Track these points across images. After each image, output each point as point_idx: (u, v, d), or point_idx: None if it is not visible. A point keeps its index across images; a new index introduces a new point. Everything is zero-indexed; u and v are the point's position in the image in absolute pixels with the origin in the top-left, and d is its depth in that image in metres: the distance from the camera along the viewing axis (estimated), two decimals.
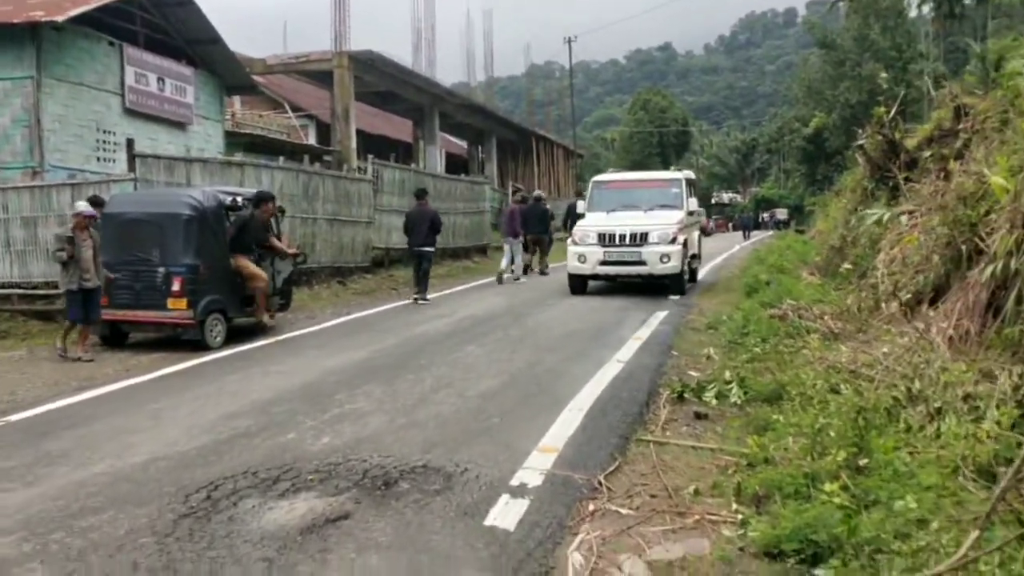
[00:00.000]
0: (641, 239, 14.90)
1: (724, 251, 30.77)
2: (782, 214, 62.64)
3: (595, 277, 15.72)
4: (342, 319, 13.29)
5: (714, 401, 7.21)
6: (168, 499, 4.89)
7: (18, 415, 7.28)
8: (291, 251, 12.36)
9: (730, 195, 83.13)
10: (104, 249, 10.90)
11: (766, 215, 63.79)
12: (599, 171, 28.83)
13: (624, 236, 15.00)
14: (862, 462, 4.94)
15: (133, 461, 5.69)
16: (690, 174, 18.67)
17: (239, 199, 11.76)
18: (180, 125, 20.40)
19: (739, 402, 7.12)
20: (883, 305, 10.20)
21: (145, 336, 11.28)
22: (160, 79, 19.56)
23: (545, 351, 9.83)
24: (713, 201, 77.03)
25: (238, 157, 17.77)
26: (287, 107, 32.55)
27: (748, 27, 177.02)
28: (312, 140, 32.15)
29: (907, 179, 12.70)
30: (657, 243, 14.81)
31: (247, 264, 11.38)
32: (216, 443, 6.06)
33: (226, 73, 22.52)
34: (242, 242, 11.44)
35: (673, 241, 14.88)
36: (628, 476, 5.36)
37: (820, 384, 6.89)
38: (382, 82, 30.00)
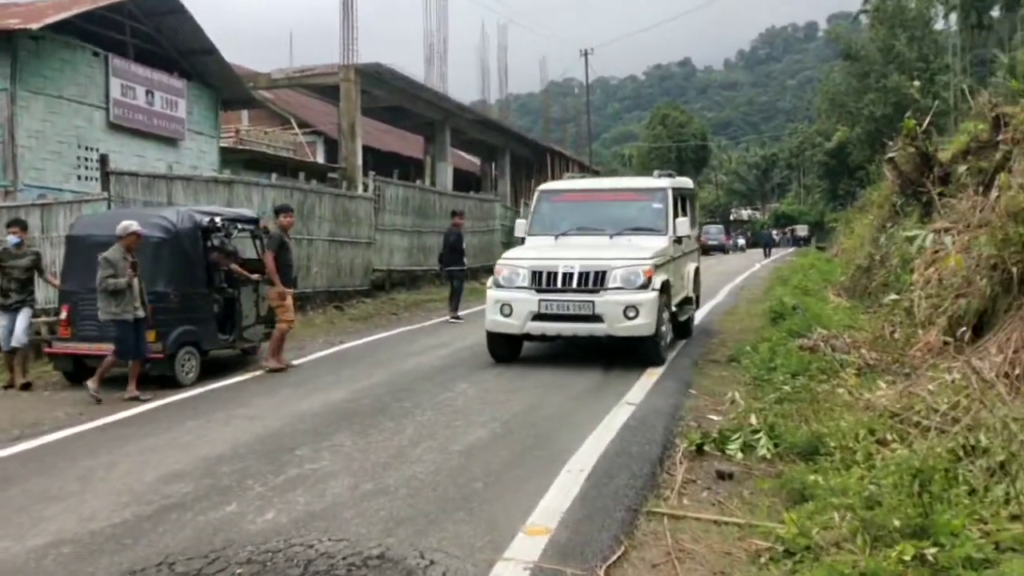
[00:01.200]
0: (596, 281, 9.84)
1: (745, 269, 29.74)
2: (802, 230, 61.35)
3: (528, 337, 10.50)
4: (332, 350, 12.28)
5: (739, 455, 6.26)
6: None
7: None
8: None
9: (749, 212, 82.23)
10: (68, 275, 10.14)
11: (775, 232, 60.70)
12: None
13: (570, 276, 9.92)
14: (929, 552, 4.02)
15: (32, 544, 4.67)
16: (685, 181, 13.26)
17: (218, 219, 10.80)
18: (171, 141, 19.27)
19: (769, 455, 6.17)
20: (920, 332, 9.40)
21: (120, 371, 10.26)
22: (149, 92, 18.41)
23: (548, 389, 8.80)
24: (732, 218, 76.37)
25: (226, 175, 16.79)
26: (294, 123, 31.73)
27: (768, 42, 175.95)
28: (320, 157, 31.29)
29: (941, 194, 12.10)
30: (620, 287, 9.78)
31: (284, 301, 10.62)
32: (139, 519, 5.03)
33: (223, 86, 21.39)
34: (288, 269, 10.79)
35: (645, 286, 9.81)
36: (636, 567, 4.32)
37: (863, 434, 6.02)
38: (391, 97, 29.17)
